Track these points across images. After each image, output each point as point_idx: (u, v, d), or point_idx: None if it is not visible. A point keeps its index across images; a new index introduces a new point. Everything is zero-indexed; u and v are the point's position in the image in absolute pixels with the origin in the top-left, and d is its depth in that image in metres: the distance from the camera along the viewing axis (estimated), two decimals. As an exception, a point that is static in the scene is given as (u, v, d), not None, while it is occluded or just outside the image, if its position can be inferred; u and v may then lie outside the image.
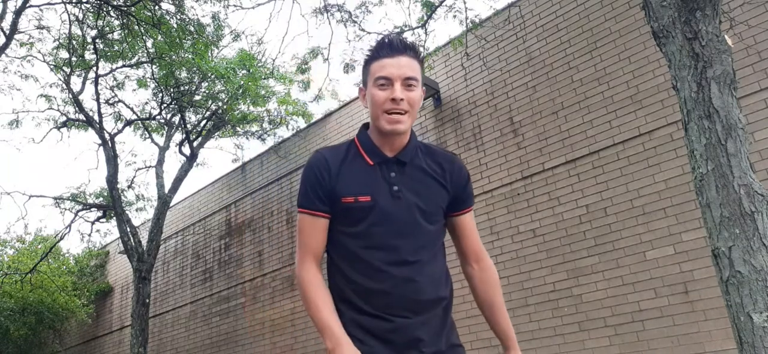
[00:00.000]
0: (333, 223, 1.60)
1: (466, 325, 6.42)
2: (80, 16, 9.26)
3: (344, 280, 1.57)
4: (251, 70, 10.02)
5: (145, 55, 9.78)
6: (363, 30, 7.23)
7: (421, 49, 7.05)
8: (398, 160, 1.61)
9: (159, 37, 9.03)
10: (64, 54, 10.01)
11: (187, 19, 8.87)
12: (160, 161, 11.41)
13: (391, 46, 1.59)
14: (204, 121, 11.29)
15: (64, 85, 10.35)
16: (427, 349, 1.53)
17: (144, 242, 10.67)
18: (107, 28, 9.64)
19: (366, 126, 1.69)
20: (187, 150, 11.31)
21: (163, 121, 11.67)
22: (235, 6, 9.45)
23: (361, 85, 1.69)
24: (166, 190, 10.97)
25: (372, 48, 1.64)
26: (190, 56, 9.51)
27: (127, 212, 10.94)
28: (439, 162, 1.67)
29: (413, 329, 1.51)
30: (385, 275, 1.52)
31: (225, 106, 10.72)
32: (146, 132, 11.72)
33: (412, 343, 1.51)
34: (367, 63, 1.64)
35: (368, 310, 1.52)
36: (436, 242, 1.63)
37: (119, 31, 9.53)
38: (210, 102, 11.00)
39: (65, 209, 12.12)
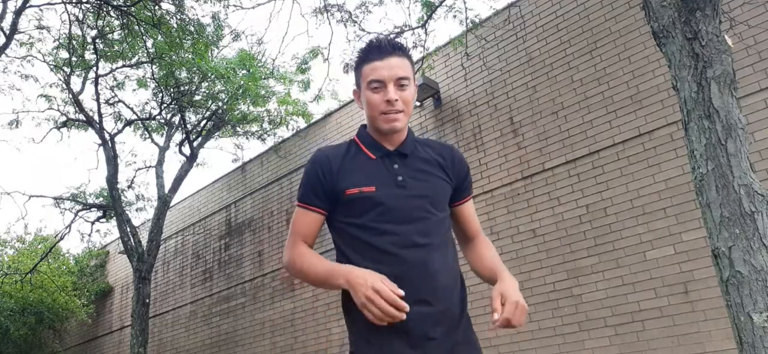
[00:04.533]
0: (339, 217, 1.63)
1: (466, 325, 6.42)
2: (80, 16, 9.25)
3: None
4: (251, 70, 10.02)
5: (145, 55, 9.77)
6: (363, 30, 7.23)
7: (421, 49, 7.05)
8: (400, 152, 1.65)
9: (159, 37, 9.02)
10: (64, 54, 10.01)
11: (187, 19, 8.87)
12: (160, 161, 11.40)
13: (380, 48, 1.62)
14: (204, 121, 11.28)
15: (64, 85, 10.35)
16: (443, 340, 1.50)
17: (144, 242, 10.67)
18: (107, 28, 9.64)
19: (365, 126, 1.73)
20: (187, 150, 11.31)
21: (163, 121, 11.67)
22: (235, 6, 9.43)
23: (355, 88, 1.73)
24: (166, 190, 10.97)
25: (361, 51, 1.67)
26: (190, 56, 9.50)
27: (127, 212, 10.94)
28: (440, 152, 1.72)
29: (429, 319, 1.48)
30: (397, 258, 1.51)
31: (225, 106, 10.72)
32: (146, 132, 11.72)
33: (428, 333, 1.48)
34: (358, 66, 1.67)
35: None
36: (444, 229, 1.63)
37: (119, 31, 9.53)
38: (210, 102, 11.00)
39: (65, 209, 12.13)
